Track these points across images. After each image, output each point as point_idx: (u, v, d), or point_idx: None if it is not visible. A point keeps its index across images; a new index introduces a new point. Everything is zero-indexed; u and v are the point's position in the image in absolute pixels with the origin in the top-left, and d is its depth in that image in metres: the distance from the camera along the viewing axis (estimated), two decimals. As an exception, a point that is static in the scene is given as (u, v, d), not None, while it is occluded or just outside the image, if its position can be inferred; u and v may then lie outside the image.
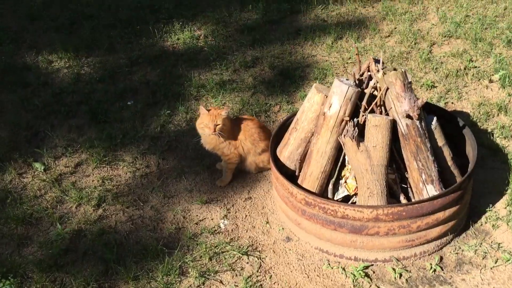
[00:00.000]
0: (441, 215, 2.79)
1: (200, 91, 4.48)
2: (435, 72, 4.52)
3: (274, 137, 3.32)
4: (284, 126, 3.37)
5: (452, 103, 4.15)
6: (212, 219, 3.29)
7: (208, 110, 3.34)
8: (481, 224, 3.12)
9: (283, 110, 4.21)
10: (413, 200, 2.96)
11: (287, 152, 3.17)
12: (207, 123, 3.30)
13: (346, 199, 3.04)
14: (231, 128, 3.41)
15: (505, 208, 3.19)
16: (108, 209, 3.37)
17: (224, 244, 3.08)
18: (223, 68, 4.78)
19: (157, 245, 3.05)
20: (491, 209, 3.18)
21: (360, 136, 2.81)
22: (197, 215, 3.32)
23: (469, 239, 3.04)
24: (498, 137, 3.76)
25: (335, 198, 3.03)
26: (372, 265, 2.91)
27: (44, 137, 4.05)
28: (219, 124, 3.30)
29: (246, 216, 3.31)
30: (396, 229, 2.75)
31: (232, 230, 3.21)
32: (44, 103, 4.44)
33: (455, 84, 4.34)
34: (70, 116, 4.29)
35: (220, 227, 3.22)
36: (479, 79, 4.38)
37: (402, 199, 2.92)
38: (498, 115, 3.99)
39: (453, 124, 3.24)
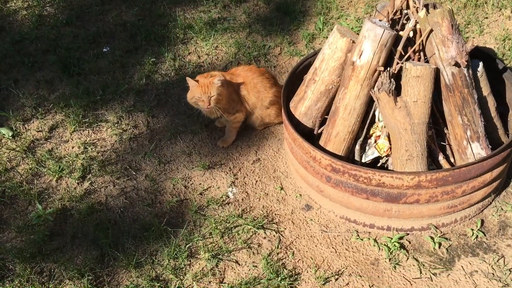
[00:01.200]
0: (488, 177, 2.43)
1: (188, 33, 3.87)
2: (451, 2, 4.02)
3: (285, 88, 2.83)
4: (295, 74, 2.88)
5: (473, 37, 3.70)
6: (218, 188, 2.85)
7: (197, 81, 2.79)
8: (522, 179, 2.80)
9: (284, 52, 3.68)
10: (452, 159, 2.58)
11: (304, 107, 2.70)
12: (199, 96, 2.77)
13: (375, 161, 2.65)
14: (229, 94, 2.89)
15: (547, 159, 2.86)
16: (95, 182, 2.89)
17: (235, 217, 2.68)
18: (210, 4, 4.14)
19: (159, 223, 2.62)
20: (532, 161, 2.84)
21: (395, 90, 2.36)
22: (200, 184, 2.88)
23: (510, 197, 2.72)
24: (528, 76, 3.37)
25: (363, 161, 2.63)
26: (408, 234, 2.57)
27: (7, 96, 3.45)
28: (213, 96, 2.77)
29: (256, 181, 2.89)
30: (439, 196, 2.38)
31: (242, 199, 2.79)
32: (3, 53, 3.78)
33: (474, 16, 3.86)
34: (36, 69, 3.66)
35: (228, 197, 2.81)
36: (500, 9, 3.91)
37: (441, 159, 2.54)
38: (525, 50, 3.57)
39: (489, 65, 2.80)
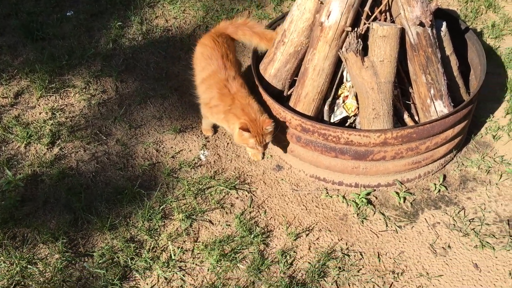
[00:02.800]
0: (450, 133, 2.54)
1: (154, -4, 3.82)
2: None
3: (255, 52, 2.85)
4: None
5: None
6: (190, 151, 2.88)
7: (248, 130, 2.41)
8: (482, 136, 2.93)
9: (253, 16, 3.67)
10: (416, 117, 2.68)
11: (273, 69, 2.73)
12: (253, 146, 2.47)
13: (343, 121, 2.72)
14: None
15: (505, 116, 2.99)
16: (65, 147, 2.87)
17: (208, 179, 2.72)
18: (176, -34, 4.07)
19: (132, 186, 2.64)
20: (491, 118, 2.97)
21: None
22: (172, 147, 2.89)
23: (471, 153, 2.85)
24: (489, 37, 3.48)
25: (331, 121, 2.69)
26: (374, 190, 2.68)
27: (-31, 62, 3.35)
28: (268, 142, 2.52)
29: (228, 144, 2.93)
30: (404, 152, 2.48)
31: (214, 161, 2.83)
32: (-39, 18, 3.64)
33: (438, -22, 3.92)
34: (-2, 34, 3.55)
35: (200, 159, 2.84)
36: (464, -29, 3.99)
37: (406, 117, 2.63)
38: (486, 12, 3.68)
39: (452, 26, 2.88)
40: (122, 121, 3.01)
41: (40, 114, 3.04)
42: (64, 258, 2.35)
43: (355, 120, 2.69)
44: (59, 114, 3.03)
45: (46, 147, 2.85)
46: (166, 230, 2.51)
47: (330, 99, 2.65)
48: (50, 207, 2.60)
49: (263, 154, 2.63)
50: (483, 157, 2.80)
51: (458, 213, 2.56)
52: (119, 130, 2.97)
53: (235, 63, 2.70)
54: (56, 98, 3.13)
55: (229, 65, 2.60)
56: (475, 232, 2.46)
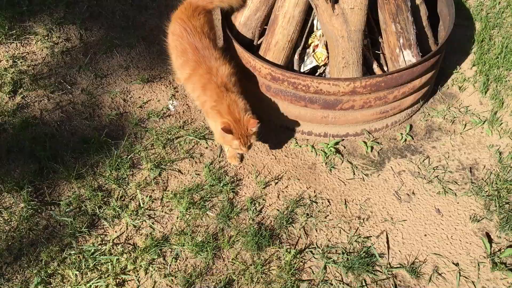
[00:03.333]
0: (417, 83, 2.56)
1: None
2: None
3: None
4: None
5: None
6: (158, 101, 2.83)
7: (231, 132, 2.23)
8: (448, 87, 2.98)
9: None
10: (385, 68, 2.69)
11: (243, 17, 2.68)
12: (237, 147, 2.32)
13: (313, 70, 2.71)
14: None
15: (471, 68, 3.04)
16: (28, 96, 2.77)
17: (177, 129, 2.70)
18: None
19: (99, 136, 2.59)
20: (458, 70, 3.02)
21: (334, -4, 2.38)
22: (140, 97, 2.84)
23: (437, 104, 2.90)
24: (458, -10, 3.49)
25: (301, 70, 2.68)
26: (343, 140, 2.71)
27: None
28: (252, 143, 2.37)
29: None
30: (372, 102, 2.50)
31: (183, 111, 2.80)
32: None
33: None
34: (-49, -23, 3.34)
35: (169, 109, 2.80)
36: None
37: (375, 67, 2.64)
38: (457, -35, 3.66)
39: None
40: (87, 70, 2.92)
41: (0, 62, 2.91)
42: (30, 207, 2.31)
43: (325, 70, 2.68)
44: (21, 62, 2.91)
45: (7, 95, 2.75)
46: (135, 179, 2.49)
47: (300, 48, 2.63)
48: (13, 156, 2.53)
49: (242, 158, 2.56)
50: (449, 107, 2.86)
51: (423, 161, 2.62)
52: (84, 79, 2.88)
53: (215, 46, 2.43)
54: (16, 45, 3.00)
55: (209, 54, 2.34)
56: (438, 179, 2.53)
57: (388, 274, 2.17)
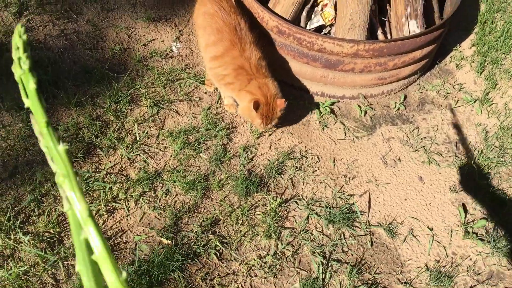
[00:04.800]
0: (418, 54, 2.63)
1: None
2: None
3: None
4: None
5: None
6: (162, 41, 2.85)
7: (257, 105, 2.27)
8: (446, 64, 3.05)
9: None
10: (389, 36, 2.74)
11: (257, -33, 2.68)
12: (259, 124, 2.37)
13: (319, 30, 2.74)
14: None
15: (470, 48, 3.11)
16: (33, 20, 2.76)
17: (178, 71, 2.73)
18: None
19: (101, 67, 2.62)
20: (457, 48, 3.08)
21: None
22: (144, 35, 2.85)
23: (433, 78, 2.98)
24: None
25: (307, 28, 2.72)
26: (339, 101, 2.78)
27: None
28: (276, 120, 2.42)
29: (201, 39, 2.92)
30: (372, 66, 2.56)
31: (186, 55, 2.83)
32: None
33: None
34: None
35: (172, 51, 2.82)
36: None
37: (380, 33, 2.69)
38: None
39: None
40: (94, 2, 2.91)
41: (7, -19, 2.88)
42: (28, 127, 2.35)
43: (329, 30, 2.72)
44: (28, -15, 2.89)
45: (13, 16, 2.74)
46: (133, 114, 2.54)
47: (309, 6, 2.66)
48: (14, 77, 2.54)
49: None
50: (444, 83, 2.94)
51: (412, 131, 2.72)
52: (90, 10, 2.88)
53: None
54: (24, -33, 2.96)
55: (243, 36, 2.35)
56: (424, 149, 2.63)
57: (366, 230, 2.29)
